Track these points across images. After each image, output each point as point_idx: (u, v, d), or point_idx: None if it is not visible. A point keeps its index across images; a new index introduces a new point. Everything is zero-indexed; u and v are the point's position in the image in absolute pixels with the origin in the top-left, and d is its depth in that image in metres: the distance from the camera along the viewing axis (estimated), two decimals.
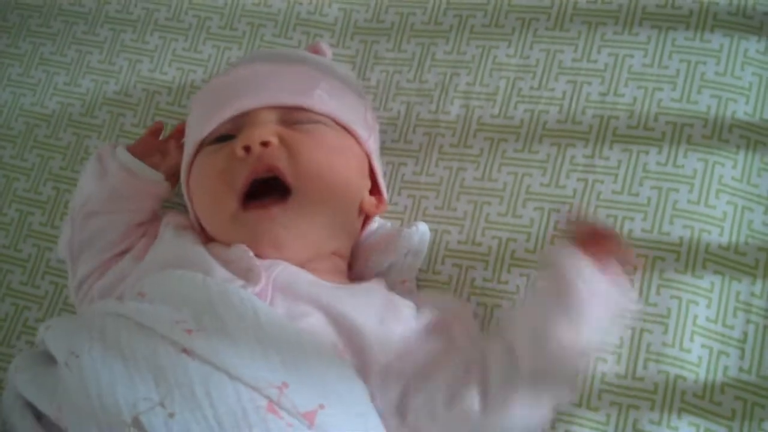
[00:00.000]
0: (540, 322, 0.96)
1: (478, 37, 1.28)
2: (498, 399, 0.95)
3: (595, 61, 1.21)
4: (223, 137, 1.07)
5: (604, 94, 1.19)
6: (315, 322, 0.97)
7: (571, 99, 1.20)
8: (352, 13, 1.35)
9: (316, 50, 1.26)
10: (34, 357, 1.02)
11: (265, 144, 1.03)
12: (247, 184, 1.03)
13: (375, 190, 1.14)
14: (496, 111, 1.22)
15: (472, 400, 0.95)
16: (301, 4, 1.38)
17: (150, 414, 0.86)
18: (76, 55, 1.44)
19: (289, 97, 1.08)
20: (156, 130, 1.24)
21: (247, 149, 1.03)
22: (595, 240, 1.00)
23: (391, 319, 1.01)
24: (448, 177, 1.20)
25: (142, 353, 0.91)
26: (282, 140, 1.04)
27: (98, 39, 1.44)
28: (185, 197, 1.15)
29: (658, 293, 1.06)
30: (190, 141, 1.12)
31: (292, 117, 1.07)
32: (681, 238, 1.08)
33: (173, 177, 1.20)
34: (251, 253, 1.02)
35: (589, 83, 1.20)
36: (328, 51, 1.28)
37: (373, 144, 1.14)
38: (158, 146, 1.22)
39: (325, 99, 1.09)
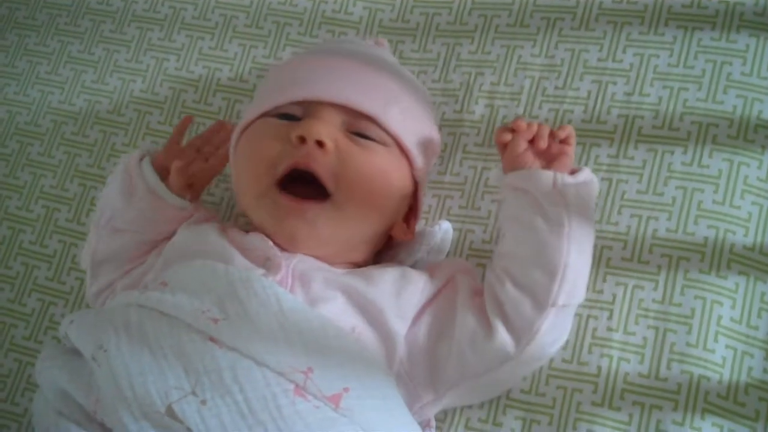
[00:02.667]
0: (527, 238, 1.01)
1: (503, 37, 1.28)
2: (524, 323, 0.99)
3: (621, 61, 1.21)
4: (285, 115, 1.06)
5: (629, 94, 1.18)
6: (333, 307, 0.98)
7: (596, 99, 1.20)
8: (377, 12, 1.36)
9: (377, 42, 1.24)
10: (60, 349, 1.04)
11: (320, 143, 1.02)
12: (286, 170, 1.02)
13: (410, 214, 1.14)
14: (520, 110, 1.22)
15: (501, 334, 0.99)
16: (326, 2, 1.39)
17: (183, 403, 0.88)
18: (104, 53, 1.45)
19: (364, 104, 1.05)
20: (183, 127, 1.24)
21: (301, 139, 1.02)
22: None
23: (406, 289, 1.02)
24: (473, 177, 1.20)
25: (168, 343, 0.93)
26: (337, 147, 1.03)
27: (125, 38, 1.45)
28: (230, 161, 1.14)
29: (682, 293, 1.06)
30: (254, 107, 1.10)
31: (357, 124, 1.05)
32: (706, 238, 1.08)
33: (197, 183, 1.19)
34: (270, 243, 1.03)
35: (615, 83, 1.20)
36: (387, 46, 1.26)
37: (424, 172, 1.12)
38: (182, 154, 1.20)
39: (397, 119, 1.07)
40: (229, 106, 1.35)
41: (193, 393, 0.89)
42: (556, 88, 1.22)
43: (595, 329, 1.07)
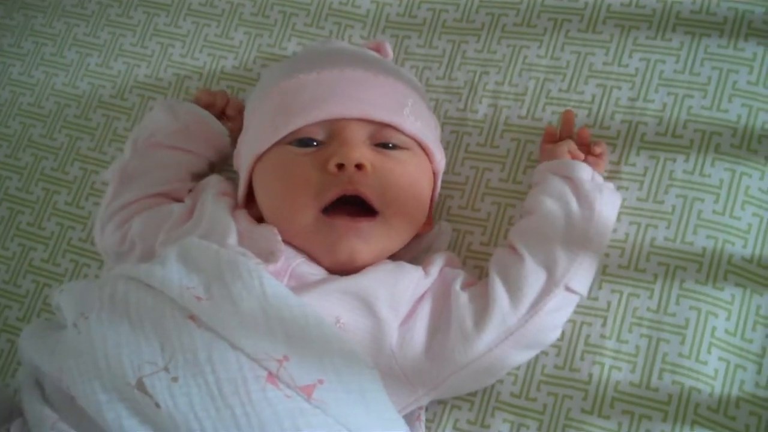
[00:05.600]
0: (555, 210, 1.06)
1: (510, 37, 1.27)
2: (533, 296, 1.02)
3: (626, 66, 1.20)
4: (306, 140, 1.07)
5: (633, 99, 1.17)
6: (319, 296, 0.98)
7: (600, 103, 1.19)
8: (385, 6, 1.35)
9: (379, 49, 1.24)
10: (43, 325, 1.07)
11: (359, 167, 1.03)
12: (334, 198, 1.03)
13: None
14: (523, 112, 1.21)
15: (503, 305, 1.01)
16: None
17: (154, 377, 0.90)
18: (109, 37, 1.45)
19: (382, 113, 1.07)
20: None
21: (340, 167, 1.03)
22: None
23: (401, 281, 1.03)
24: (474, 177, 1.19)
25: (149, 316, 0.95)
26: (374, 166, 1.04)
27: (132, 22, 1.45)
28: (240, 171, 1.15)
29: (677, 303, 1.05)
30: (266, 133, 1.09)
31: (381, 135, 1.07)
32: (704, 248, 1.07)
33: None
34: (279, 237, 1.04)
35: (619, 87, 1.19)
36: (391, 52, 1.27)
37: (442, 162, 1.15)
38: (217, 105, 1.27)
39: (411, 119, 1.09)
40: (233, 94, 1.34)
41: (166, 369, 0.90)
42: (561, 90, 1.21)
43: (588, 336, 1.06)
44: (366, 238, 1.04)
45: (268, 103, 1.12)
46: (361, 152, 1.04)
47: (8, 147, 1.40)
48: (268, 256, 1.02)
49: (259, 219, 1.10)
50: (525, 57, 1.25)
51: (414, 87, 1.15)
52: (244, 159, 1.13)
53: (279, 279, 0.99)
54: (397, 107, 1.08)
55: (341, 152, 1.03)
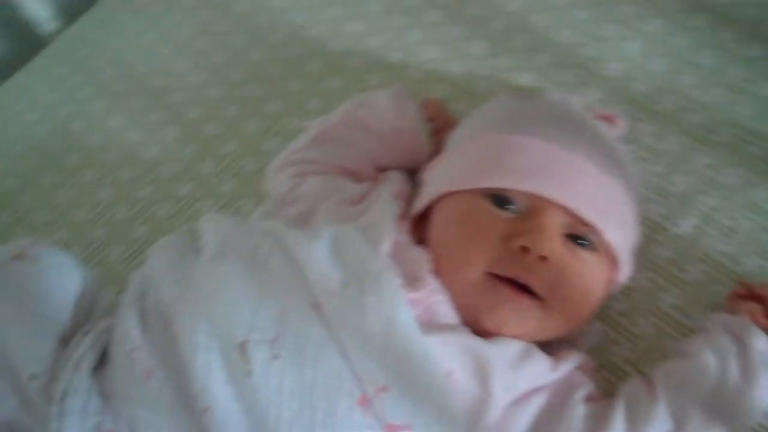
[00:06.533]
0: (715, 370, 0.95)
1: (744, 167, 1.18)
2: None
3: None
4: (504, 200, 1.01)
5: None
6: (442, 342, 0.93)
7: None
8: (632, 81, 1.29)
9: (612, 120, 1.17)
10: (182, 241, 1.07)
11: (542, 258, 0.97)
12: (504, 276, 0.98)
13: None
14: (726, 248, 1.12)
15: (618, 429, 0.94)
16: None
17: (258, 346, 0.89)
18: None
19: (591, 213, 0.99)
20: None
21: (524, 249, 0.97)
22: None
23: (526, 366, 0.97)
24: (647, 290, 1.11)
25: (279, 287, 0.94)
26: (557, 260, 0.98)
27: None
28: (424, 189, 1.10)
29: None
30: (469, 174, 1.04)
31: (579, 230, 1.00)
32: None
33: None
34: (429, 267, 1.00)
35: None
36: (623, 129, 1.19)
37: (625, 276, 1.07)
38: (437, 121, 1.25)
39: (616, 227, 1.02)
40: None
41: (272, 343, 0.89)
42: None
43: None
44: (522, 316, 0.98)
45: (481, 146, 1.07)
46: (552, 246, 0.98)
47: None
48: (411, 281, 0.97)
49: (419, 239, 1.06)
50: (752, 195, 1.15)
51: (633, 192, 1.07)
52: (433, 183, 1.09)
53: (413, 307, 0.94)
54: (607, 210, 1.02)
55: (532, 238, 0.97)
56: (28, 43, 1.76)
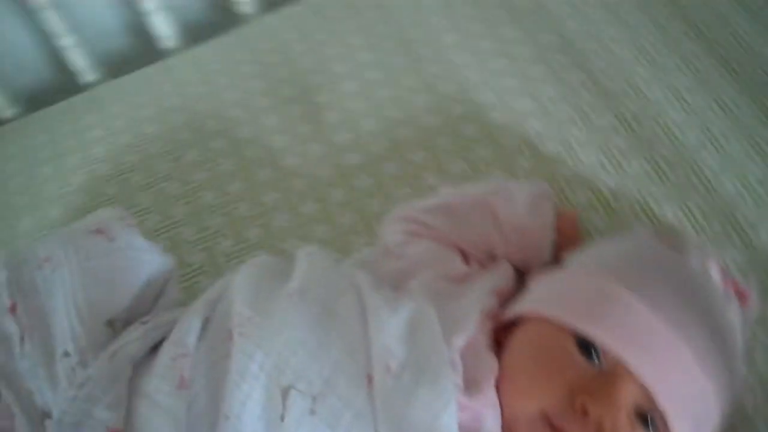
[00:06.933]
0: None
1: None
2: None
3: None
4: (590, 348, 0.95)
5: None
6: None
7: None
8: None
9: (742, 296, 1.08)
10: (271, 265, 1.08)
11: (601, 427, 0.91)
12: (556, 425, 0.93)
13: None
14: None
15: None
16: None
17: (300, 396, 0.89)
18: None
19: (671, 408, 0.92)
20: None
21: (585, 413, 0.91)
22: None
23: None
24: None
25: (342, 345, 0.93)
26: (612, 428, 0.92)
27: None
28: (525, 297, 1.07)
29: None
30: (568, 307, 0.99)
31: (647, 413, 0.93)
32: None
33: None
34: (493, 378, 0.96)
35: None
36: (755, 305, 1.10)
37: None
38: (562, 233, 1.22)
39: (689, 424, 0.94)
40: None
41: (314, 398, 0.89)
42: None
43: None
44: None
45: (592, 286, 1.00)
46: (615, 423, 0.91)
47: None
48: (471, 384, 0.94)
49: (498, 342, 1.03)
50: None
51: (726, 392, 0.98)
52: (532, 297, 1.05)
53: (462, 412, 0.92)
54: (688, 406, 0.94)
55: (598, 408, 0.91)
56: (229, 17, 1.80)
